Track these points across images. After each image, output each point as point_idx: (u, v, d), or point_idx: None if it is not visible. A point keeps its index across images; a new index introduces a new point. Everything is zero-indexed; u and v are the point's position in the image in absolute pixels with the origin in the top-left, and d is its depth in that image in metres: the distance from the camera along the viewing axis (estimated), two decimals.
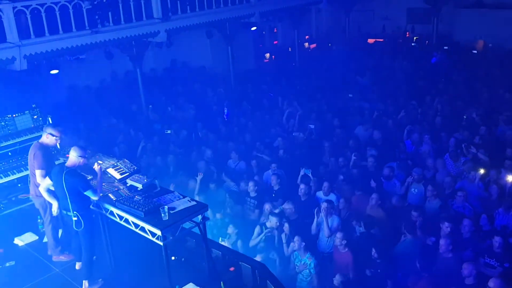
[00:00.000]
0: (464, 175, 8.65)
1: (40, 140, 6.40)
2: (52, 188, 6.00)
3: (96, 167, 5.96)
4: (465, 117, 11.24)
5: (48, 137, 6.33)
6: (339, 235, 6.96)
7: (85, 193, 5.72)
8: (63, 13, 10.74)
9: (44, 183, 6.10)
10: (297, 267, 7.04)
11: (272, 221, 7.52)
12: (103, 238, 6.38)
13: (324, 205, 7.45)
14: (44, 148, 6.31)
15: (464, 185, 8.35)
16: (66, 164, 5.86)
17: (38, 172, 6.17)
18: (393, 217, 7.82)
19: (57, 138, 6.37)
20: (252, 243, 7.60)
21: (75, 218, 5.76)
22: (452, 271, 6.41)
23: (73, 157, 5.81)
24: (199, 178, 8.84)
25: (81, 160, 5.84)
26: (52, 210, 6.14)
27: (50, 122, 7.94)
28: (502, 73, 14.78)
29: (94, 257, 6.10)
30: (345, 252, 6.99)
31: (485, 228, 7.38)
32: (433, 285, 6.28)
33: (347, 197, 8.26)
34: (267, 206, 7.98)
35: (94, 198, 5.80)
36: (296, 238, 6.96)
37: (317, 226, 7.65)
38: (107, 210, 5.98)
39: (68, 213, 5.82)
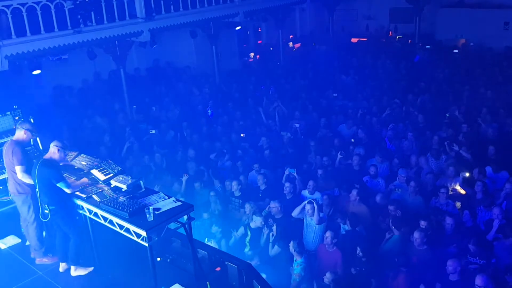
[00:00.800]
0: (446, 172, 8.77)
1: (15, 138, 6.34)
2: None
3: (84, 180, 6.09)
4: (447, 115, 11.39)
5: (26, 133, 6.29)
6: (328, 234, 7.00)
7: (57, 184, 5.78)
8: (45, 12, 10.62)
9: (26, 179, 6.10)
10: (292, 268, 7.07)
11: (257, 221, 7.55)
12: (88, 239, 6.32)
13: (308, 206, 7.49)
14: (21, 144, 6.27)
15: (445, 182, 8.47)
16: (43, 157, 5.93)
17: (18, 168, 6.12)
18: (377, 214, 7.90)
19: (34, 133, 6.40)
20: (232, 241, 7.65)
21: (46, 211, 5.82)
22: (429, 264, 6.53)
23: (50, 148, 5.92)
24: (184, 179, 8.82)
25: (55, 150, 5.89)
26: None
27: (32, 122, 7.82)
28: (483, 71, 15.03)
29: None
30: (333, 251, 7.03)
31: (468, 225, 7.51)
32: (411, 279, 6.37)
33: (329, 194, 8.31)
34: (247, 207, 8.00)
35: (66, 190, 5.85)
36: (291, 243, 6.98)
37: (306, 228, 7.68)
38: (91, 211, 5.93)
39: (46, 208, 5.86)
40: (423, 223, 7.04)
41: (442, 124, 10.89)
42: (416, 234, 6.76)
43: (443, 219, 7.29)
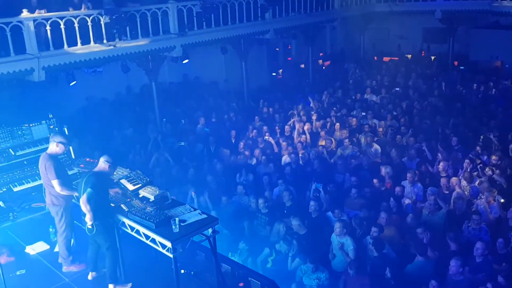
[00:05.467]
0: (479, 196, 8.52)
1: (49, 151, 6.43)
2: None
3: (116, 190, 6.23)
4: (482, 137, 11.12)
5: (58, 146, 6.41)
6: (350, 271, 6.85)
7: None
8: (82, 26, 10.96)
9: (65, 192, 6.23)
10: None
11: (283, 248, 7.50)
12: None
13: (337, 225, 7.38)
14: (54, 158, 6.36)
15: (478, 207, 8.22)
16: (93, 170, 6.05)
17: (55, 183, 6.23)
18: (407, 237, 7.71)
19: (66, 145, 6.50)
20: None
21: (90, 226, 5.80)
22: None
23: (100, 162, 6.02)
24: (193, 195, 8.84)
25: (106, 165, 5.98)
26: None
27: (66, 132, 8.03)
28: None
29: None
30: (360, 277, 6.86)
31: (501, 252, 7.24)
32: None
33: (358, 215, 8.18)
34: (280, 228, 7.91)
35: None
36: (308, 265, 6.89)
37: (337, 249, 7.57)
38: (119, 220, 6.00)
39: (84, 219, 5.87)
40: (453, 246, 6.80)
41: (475, 146, 10.60)
42: (453, 262, 6.49)
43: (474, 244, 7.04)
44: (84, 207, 5.69)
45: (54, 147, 6.42)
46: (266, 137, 11.83)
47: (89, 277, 6.41)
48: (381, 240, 7.29)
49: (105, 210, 5.91)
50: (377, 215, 8.11)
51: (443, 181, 9.08)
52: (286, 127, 12.60)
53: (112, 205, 6.02)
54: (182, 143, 11.70)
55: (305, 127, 12.15)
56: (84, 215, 5.86)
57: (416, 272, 6.85)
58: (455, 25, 19.62)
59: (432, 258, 7.03)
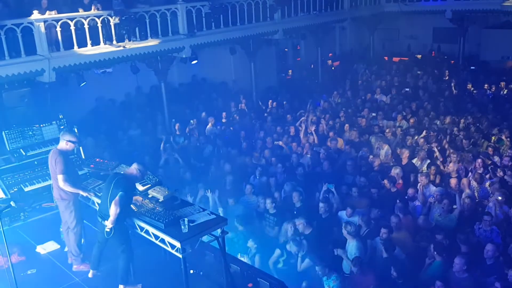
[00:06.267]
0: (490, 197, 8.43)
1: (59, 147, 6.53)
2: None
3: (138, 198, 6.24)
4: (494, 138, 10.99)
5: (68, 144, 6.48)
6: (354, 269, 6.81)
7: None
8: (92, 27, 11.03)
9: (67, 188, 6.30)
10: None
11: (293, 249, 7.47)
12: None
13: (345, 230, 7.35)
14: (64, 154, 6.46)
15: (489, 208, 8.13)
16: (122, 172, 6.15)
17: (60, 177, 6.32)
18: (418, 239, 7.63)
19: (76, 143, 6.58)
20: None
21: (107, 229, 5.80)
22: None
23: (132, 167, 6.11)
24: (213, 195, 8.84)
25: (137, 172, 6.06)
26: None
27: (76, 132, 8.09)
28: None
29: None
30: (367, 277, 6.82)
31: None
32: None
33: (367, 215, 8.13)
34: (289, 228, 7.88)
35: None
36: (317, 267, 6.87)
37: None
38: (133, 223, 6.01)
39: (103, 222, 5.88)
40: (464, 248, 6.73)
41: (488, 147, 10.49)
42: (457, 260, 6.47)
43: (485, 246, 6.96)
44: (114, 209, 5.64)
45: (64, 144, 6.51)
46: (278, 143, 11.78)
47: (90, 275, 6.46)
48: (391, 241, 7.24)
49: (126, 215, 5.93)
50: (387, 216, 8.03)
51: (453, 182, 9.00)
52: (294, 127, 12.58)
53: (135, 209, 6.02)
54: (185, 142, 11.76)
55: (313, 128, 12.11)
56: (102, 216, 5.87)
57: (433, 275, 6.75)
58: (465, 25, 19.43)
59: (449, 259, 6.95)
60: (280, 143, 11.72)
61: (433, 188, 8.97)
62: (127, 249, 6.03)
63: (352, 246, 7.30)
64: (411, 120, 12.59)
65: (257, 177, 9.98)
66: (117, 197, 5.63)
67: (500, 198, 8.09)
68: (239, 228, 7.95)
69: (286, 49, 21.37)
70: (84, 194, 6.55)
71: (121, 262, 6.04)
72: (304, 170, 10.08)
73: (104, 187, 6.00)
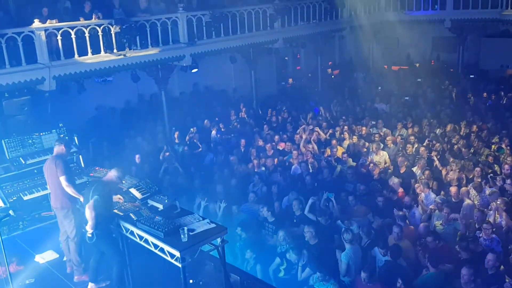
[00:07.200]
0: (490, 206, 8.40)
1: (55, 153, 6.60)
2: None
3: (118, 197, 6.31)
4: (494, 147, 10.99)
5: (60, 146, 6.58)
6: (363, 274, 6.75)
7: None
8: (93, 36, 11.06)
9: (70, 190, 6.31)
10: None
11: (293, 257, 7.44)
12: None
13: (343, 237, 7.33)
14: (61, 158, 6.51)
15: (489, 217, 8.09)
16: (102, 179, 6.18)
17: (63, 179, 6.32)
18: (417, 246, 7.60)
19: (65, 144, 6.70)
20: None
21: (89, 235, 5.85)
22: None
23: (110, 173, 6.19)
24: (222, 206, 8.83)
25: (115, 178, 6.14)
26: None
27: (76, 141, 8.09)
28: None
29: None
30: (371, 285, 6.78)
31: None
32: None
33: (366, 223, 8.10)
34: (280, 235, 7.86)
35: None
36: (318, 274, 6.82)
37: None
38: (127, 230, 5.99)
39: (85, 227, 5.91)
40: (464, 255, 6.68)
41: (488, 156, 10.47)
42: (464, 271, 6.37)
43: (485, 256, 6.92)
44: (89, 213, 5.75)
45: (57, 149, 6.59)
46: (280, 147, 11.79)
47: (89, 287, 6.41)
48: (398, 247, 7.20)
49: (107, 219, 5.96)
50: (388, 224, 7.99)
51: (453, 190, 8.98)
52: (296, 136, 12.59)
53: (120, 213, 6.02)
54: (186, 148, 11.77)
55: (313, 137, 12.11)
56: (86, 223, 5.89)
57: (428, 285, 6.72)
58: (464, 34, 19.50)
59: (443, 270, 6.92)
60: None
61: (433, 195, 8.97)
62: (117, 253, 6.04)
63: (343, 253, 7.28)
64: (411, 129, 12.57)
65: (258, 185, 9.95)
66: (91, 201, 5.75)
67: (499, 202, 8.07)
68: (242, 236, 7.93)
69: (286, 58, 21.44)
70: (82, 198, 6.53)
71: (114, 268, 6.05)
72: (305, 178, 10.06)
73: (85, 194, 6.06)
